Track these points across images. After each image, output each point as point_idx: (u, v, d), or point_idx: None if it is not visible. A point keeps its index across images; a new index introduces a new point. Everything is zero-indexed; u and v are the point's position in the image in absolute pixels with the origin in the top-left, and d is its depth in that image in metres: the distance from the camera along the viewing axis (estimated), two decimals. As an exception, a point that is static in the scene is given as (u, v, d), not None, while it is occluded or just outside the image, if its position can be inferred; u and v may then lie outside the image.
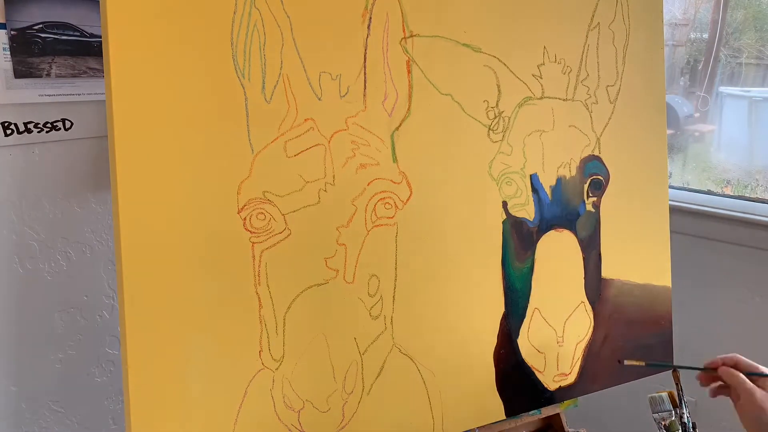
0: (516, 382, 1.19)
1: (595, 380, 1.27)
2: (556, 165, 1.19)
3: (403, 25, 1.02)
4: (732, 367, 1.01)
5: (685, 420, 1.18)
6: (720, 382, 1.03)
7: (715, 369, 1.03)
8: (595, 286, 1.25)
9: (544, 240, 1.19)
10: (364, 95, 1.01)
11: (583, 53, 1.20)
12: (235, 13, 0.90)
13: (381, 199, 1.03)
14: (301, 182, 0.96)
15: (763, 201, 1.64)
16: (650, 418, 1.23)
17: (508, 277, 1.16)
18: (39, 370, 1.20)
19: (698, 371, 1.06)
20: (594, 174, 1.24)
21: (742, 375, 0.99)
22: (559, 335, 1.22)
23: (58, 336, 1.21)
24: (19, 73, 1.07)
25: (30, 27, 1.07)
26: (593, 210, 1.24)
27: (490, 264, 1.15)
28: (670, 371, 1.18)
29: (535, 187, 1.17)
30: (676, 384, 1.19)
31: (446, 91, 1.07)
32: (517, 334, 1.18)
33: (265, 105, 0.93)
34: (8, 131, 1.08)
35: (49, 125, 1.12)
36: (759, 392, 0.95)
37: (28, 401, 1.20)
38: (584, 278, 1.24)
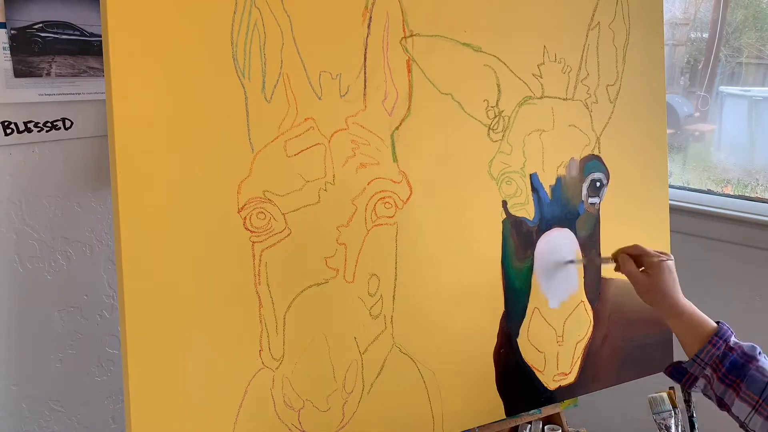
0: (516, 381, 1.19)
1: (595, 380, 1.27)
2: (556, 164, 1.19)
3: (403, 25, 1.02)
4: (632, 255, 1.10)
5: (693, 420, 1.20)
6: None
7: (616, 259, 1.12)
8: (595, 286, 1.25)
9: (543, 239, 1.19)
10: (364, 95, 1.01)
11: (583, 53, 1.20)
12: (235, 12, 0.90)
13: (381, 198, 1.03)
14: (301, 181, 0.96)
15: (763, 201, 1.63)
16: (650, 418, 1.23)
17: (508, 276, 1.16)
18: (39, 370, 1.20)
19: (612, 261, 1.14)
20: (594, 173, 1.24)
21: (631, 263, 1.09)
22: (559, 335, 1.22)
23: (58, 335, 1.21)
24: (19, 73, 1.06)
25: (30, 26, 1.06)
26: (593, 209, 1.24)
27: (490, 263, 1.15)
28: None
29: (535, 187, 1.17)
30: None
31: (446, 91, 1.07)
32: (517, 334, 1.18)
33: (265, 104, 0.93)
34: (8, 130, 1.08)
35: (49, 124, 1.12)
36: (640, 278, 1.08)
37: (28, 400, 1.20)
38: (584, 278, 1.24)
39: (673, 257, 1.09)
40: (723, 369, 0.97)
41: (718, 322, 1.02)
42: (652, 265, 1.07)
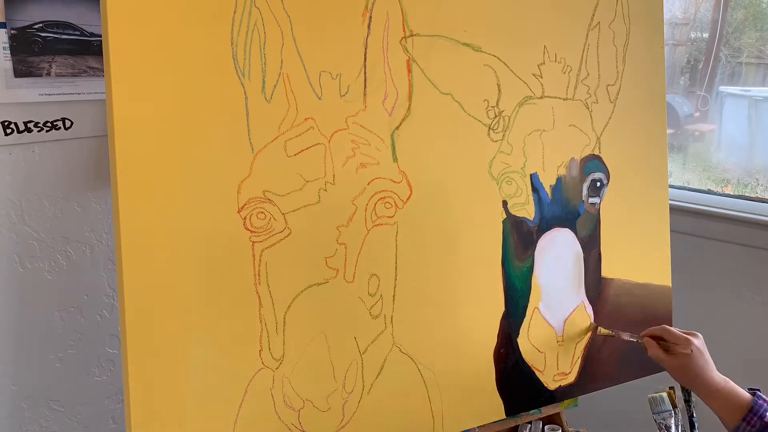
0: (516, 381, 1.19)
1: (595, 380, 1.27)
2: (556, 164, 1.19)
3: (403, 25, 1.02)
4: (659, 337, 1.10)
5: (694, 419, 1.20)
6: None
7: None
8: (595, 286, 1.25)
9: (544, 239, 1.19)
10: (365, 94, 1.00)
11: (583, 52, 1.20)
12: (235, 12, 0.90)
13: (381, 198, 1.03)
14: (301, 181, 0.96)
15: (763, 200, 1.63)
16: (650, 418, 1.23)
17: (508, 276, 1.16)
18: (39, 370, 1.20)
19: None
20: (594, 173, 1.24)
21: (656, 348, 1.09)
22: (558, 334, 1.22)
23: (58, 335, 1.21)
24: (19, 72, 1.06)
25: (30, 26, 1.06)
26: (593, 209, 1.24)
27: (490, 263, 1.15)
28: None
29: (536, 187, 1.17)
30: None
31: (446, 91, 1.07)
32: (517, 334, 1.18)
33: (265, 104, 0.93)
34: (8, 130, 1.08)
35: (49, 124, 1.12)
36: (668, 362, 1.07)
37: (28, 400, 1.20)
38: (584, 277, 1.24)
39: (700, 336, 1.08)
40: None
41: (753, 393, 0.99)
42: (681, 348, 1.06)
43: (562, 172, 1.20)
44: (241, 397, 0.96)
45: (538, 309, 1.19)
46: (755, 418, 0.96)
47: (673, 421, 1.20)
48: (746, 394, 1.00)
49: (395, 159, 1.04)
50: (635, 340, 1.16)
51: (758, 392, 1.00)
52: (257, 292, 0.95)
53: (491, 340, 1.16)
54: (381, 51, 1.01)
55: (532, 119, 1.16)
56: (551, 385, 1.23)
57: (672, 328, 1.10)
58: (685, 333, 1.08)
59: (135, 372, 0.88)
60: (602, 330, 1.23)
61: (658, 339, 1.10)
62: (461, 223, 1.11)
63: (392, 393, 1.07)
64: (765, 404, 0.98)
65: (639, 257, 1.30)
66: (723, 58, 1.80)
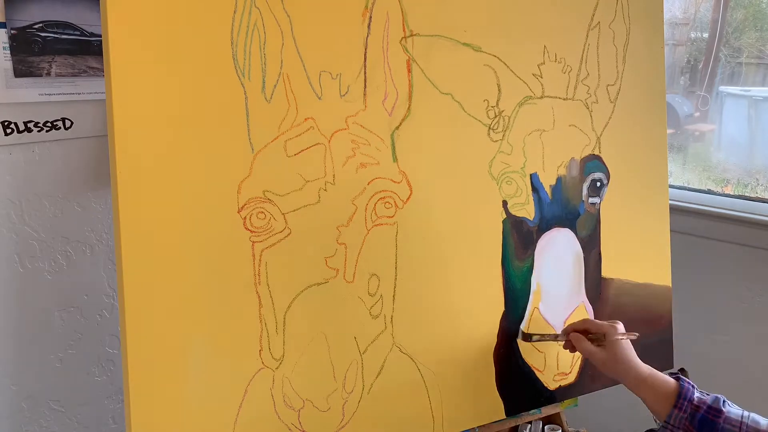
0: (516, 381, 1.19)
1: (595, 380, 1.27)
2: (556, 164, 1.19)
3: (403, 25, 1.02)
4: (581, 331, 1.09)
5: None
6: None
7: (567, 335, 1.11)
8: (595, 286, 1.25)
9: (544, 239, 1.19)
10: (365, 94, 1.00)
11: (583, 52, 1.20)
12: (235, 12, 0.90)
13: (381, 198, 1.03)
14: (301, 181, 0.96)
15: (763, 200, 1.63)
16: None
17: (508, 276, 1.16)
18: (39, 369, 1.20)
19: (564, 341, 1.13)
20: (594, 173, 1.24)
21: (585, 341, 1.07)
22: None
23: (58, 335, 1.21)
24: (19, 72, 1.06)
25: (30, 26, 1.06)
26: (593, 209, 1.24)
27: (490, 263, 1.15)
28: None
29: (535, 187, 1.17)
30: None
31: (446, 91, 1.07)
32: (518, 334, 1.18)
33: (265, 104, 0.93)
34: (8, 130, 1.08)
35: (49, 124, 1.12)
36: (599, 355, 1.06)
37: (28, 400, 1.20)
38: (584, 278, 1.24)
39: (620, 323, 1.07)
40: (694, 430, 0.95)
41: (678, 378, 1.00)
42: (609, 340, 1.05)
43: (562, 172, 1.20)
44: (241, 397, 0.96)
45: (538, 309, 1.19)
46: (685, 403, 0.97)
47: (673, 421, 1.20)
48: (671, 380, 1.00)
49: (395, 159, 1.04)
50: (562, 341, 1.13)
51: (681, 376, 1.01)
52: (257, 292, 0.95)
53: (491, 340, 1.16)
54: (381, 51, 1.01)
55: (532, 119, 1.16)
56: (551, 385, 1.23)
57: (593, 320, 1.09)
58: (607, 323, 1.07)
59: (135, 372, 0.88)
60: (528, 332, 1.17)
61: (584, 333, 1.09)
62: (461, 223, 1.11)
63: (392, 393, 1.07)
64: (690, 387, 0.99)
65: (639, 257, 1.30)
66: (723, 58, 1.80)
